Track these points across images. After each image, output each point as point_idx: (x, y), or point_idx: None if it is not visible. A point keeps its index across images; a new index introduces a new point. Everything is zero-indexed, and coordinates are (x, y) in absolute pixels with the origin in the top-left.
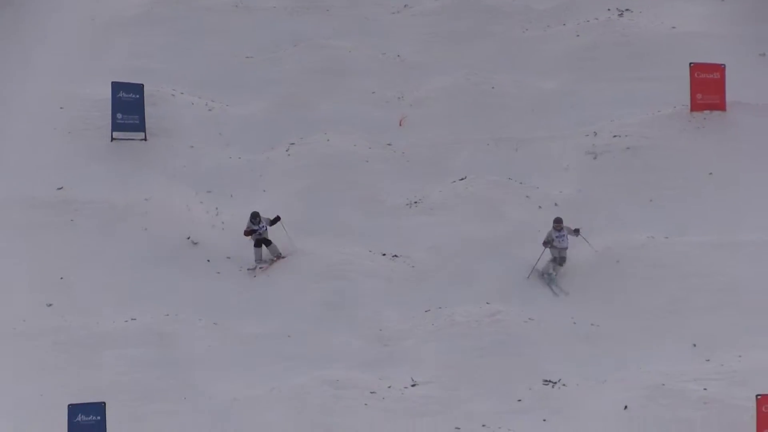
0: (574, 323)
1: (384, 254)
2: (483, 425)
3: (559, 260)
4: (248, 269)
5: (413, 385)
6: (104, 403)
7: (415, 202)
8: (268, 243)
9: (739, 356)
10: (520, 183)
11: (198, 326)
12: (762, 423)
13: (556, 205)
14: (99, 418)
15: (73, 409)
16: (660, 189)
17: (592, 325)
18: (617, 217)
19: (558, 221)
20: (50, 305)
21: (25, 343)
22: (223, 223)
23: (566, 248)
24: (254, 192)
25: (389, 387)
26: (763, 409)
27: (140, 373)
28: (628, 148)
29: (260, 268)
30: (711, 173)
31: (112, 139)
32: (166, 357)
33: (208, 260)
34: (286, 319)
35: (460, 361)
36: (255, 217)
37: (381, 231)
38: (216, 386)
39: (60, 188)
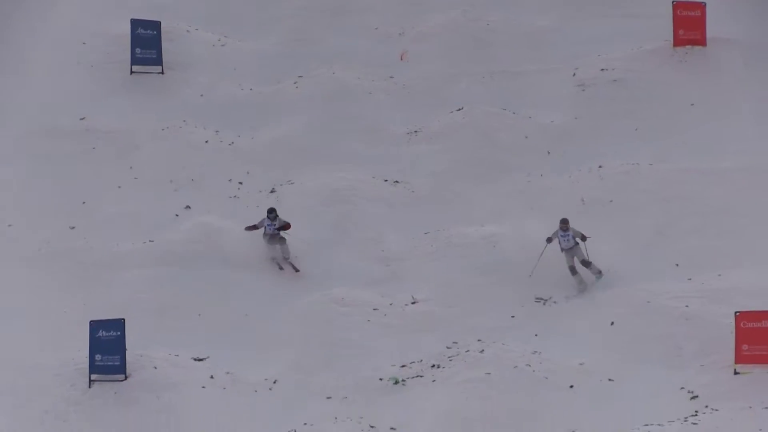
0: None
1: (386, 180)
2: (478, 340)
3: (583, 263)
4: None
5: (413, 303)
6: (123, 319)
7: (415, 131)
8: (282, 240)
9: (719, 275)
10: (514, 113)
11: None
12: (740, 338)
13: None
14: (119, 333)
15: (95, 326)
16: (644, 119)
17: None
18: (604, 144)
19: (564, 222)
20: (73, 228)
21: (49, 264)
22: (232, 144)
23: (572, 248)
24: (265, 122)
25: (391, 304)
26: (741, 325)
27: (157, 292)
28: (614, 80)
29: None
30: (692, 104)
31: (132, 72)
32: (183, 276)
33: (230, 180)
34: (293, 241)
35: (457, 280)
36: (271, 212)
37: (383, 158)
38: (227, 303)
39: (82, 118)
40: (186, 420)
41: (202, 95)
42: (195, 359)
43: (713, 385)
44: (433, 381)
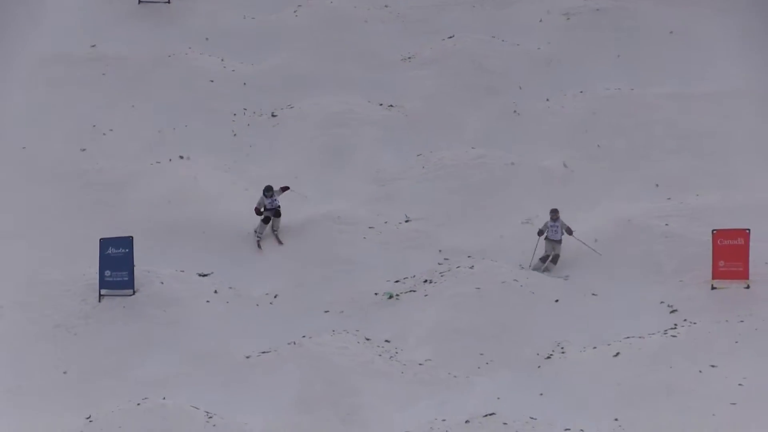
0: (562, 165)
1: (381, 104)
2: (468, 256)
3: (553, 258)
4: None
5: (407, 221)
6: (132, 237)
7: (409, 58)
8: (278, 214)
9: (697, 195)
10: (503, 41)
11: (214, 167)
12: (717, 255)
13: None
14: (127, 250)
15: (104, 243)
16: (626, 46)
17: (565, 167)
18: (588, 70)
19: (554, 211)
20: (84, 150)
21: (61, 184)
22: (234, 71)
23: (559, 241)
24: (266, 49)
25: (385, 223)
26: (718, 243)
27: (164, 210)
28: (597, 9)
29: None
30: (672, 32)
31: (139, 2)
32: (187, 195)
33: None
34: (293, 162)
35: (448, 200)
36: (268, 190)
37: (378, 84)
38: (230, 219)
39: (93, 46)
40: (191, 332)
41: (204, 26)
42: (200, 275)
43: (691, 299)
44: (426, 295)
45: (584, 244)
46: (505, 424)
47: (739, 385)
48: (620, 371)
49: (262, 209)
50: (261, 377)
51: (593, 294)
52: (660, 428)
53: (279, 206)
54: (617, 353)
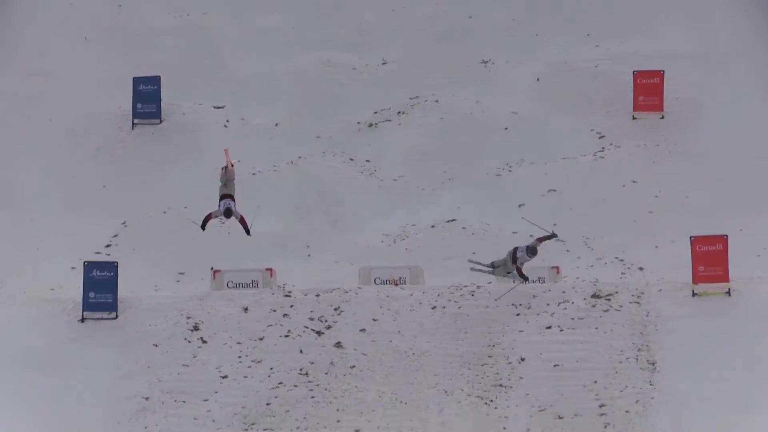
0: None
1: None
2: (433, 93)
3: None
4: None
5: (383, 64)
6: (159, 76)
7: None
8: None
9: (621, 42)
10: None
11: (227, 21)
12: (697, 260)
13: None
14: (155, 87)
15: (136, 81)
16: None
17: (513, 20)
18: None
19: (534, 251)
20: (120, 6)
21: (100, 36)
22: None
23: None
24: None
25: (366, 65)
26: (697, 249)
27: (185, 54)
28: None
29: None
30: None
31: None
32: (203, 43)
33: None
34: (290, 16)
35: (419, 46)
36: (228, 214)
37: None
38: (239, 64)
39: None
40: (208, 154)
41: None
42: (215, 107)
43: (616, 127)
44: (399, 124)
45: (544, 231)
46: (464, 228)
47: (655, 197)
48: (558, 185)
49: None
50: (265, 191)
51: (537, 124)
52: (593, 231)
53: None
54: (555, 171)
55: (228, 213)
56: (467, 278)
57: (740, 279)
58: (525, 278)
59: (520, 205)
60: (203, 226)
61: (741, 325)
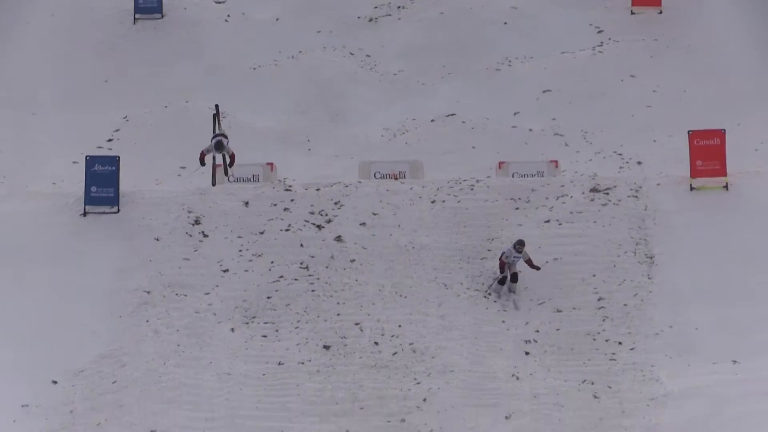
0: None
1: None
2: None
3: (512, 277)
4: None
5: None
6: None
7: None
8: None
9: None
10: None
11: None
12: (695, 155)
13: None
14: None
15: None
16: None
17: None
18: None
19: (521, 243)
20: None
21: None
22: None
23: (516, 270)
24: None
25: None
26: (695, 143)
27: None
28: None
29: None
30: None
31: None
32: None
33: None
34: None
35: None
36: (219, 148)
37: None
38: None
39: None
40: (209, 49)
41: None
42: (216, 2)
43: (615, 22)
44: (399, 19)
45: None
46: (463, 122)
47: (653, 91)
48: (557, 79)
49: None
50: (266, 86)
51: (534, 16)
52: (592, 125)
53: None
54: (554, 65)
55: (219, 146)
56: (466, 172)
57: (738, 173)
58: (537, 268)
59: (515, 113)
60: (202, 163)
61: (738, 219)
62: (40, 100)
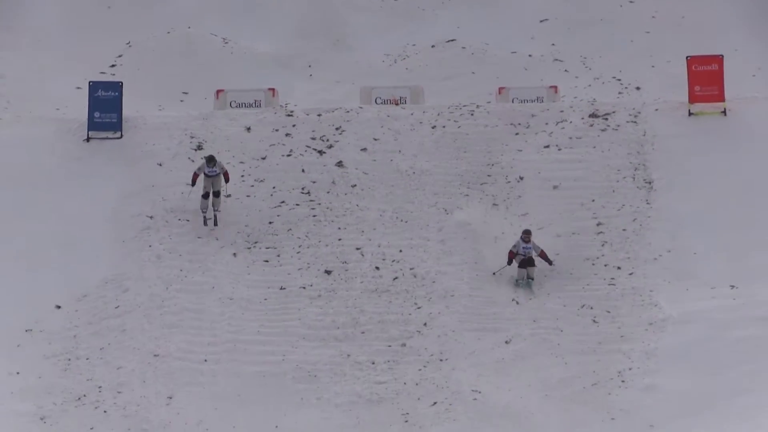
0: None
1: None
2: None
3: (529, 272)
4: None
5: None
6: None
7: None
8: (217, 193)
9: None
10: None
11: None
12: (693, 80)
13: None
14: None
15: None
16: None
17: None
18: None
19: (527, 233)
20: None
21: None
22: None
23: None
24: None
25: None
26: (693, 69)
27: None
28: None
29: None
30: None
31: None
32: None
33: None
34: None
35: None
36: (210, 161)
37: None
38: None
39: None
40: None
41: None
42: None
43: None
44: None
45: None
46: (463, 48)
47: (652, 17)
48: (557, 6)
49: (201, 174)
50: (268, 11)
51: None
52: (591, 50)
53: (218, 184)
54: None
55: (210, 160)
56: (467, 98)
57: (735, 99)
58: (551, 262)
59: (512, 52)
60: (193, 183)
61: (736, 145)
62: (43, 25)
